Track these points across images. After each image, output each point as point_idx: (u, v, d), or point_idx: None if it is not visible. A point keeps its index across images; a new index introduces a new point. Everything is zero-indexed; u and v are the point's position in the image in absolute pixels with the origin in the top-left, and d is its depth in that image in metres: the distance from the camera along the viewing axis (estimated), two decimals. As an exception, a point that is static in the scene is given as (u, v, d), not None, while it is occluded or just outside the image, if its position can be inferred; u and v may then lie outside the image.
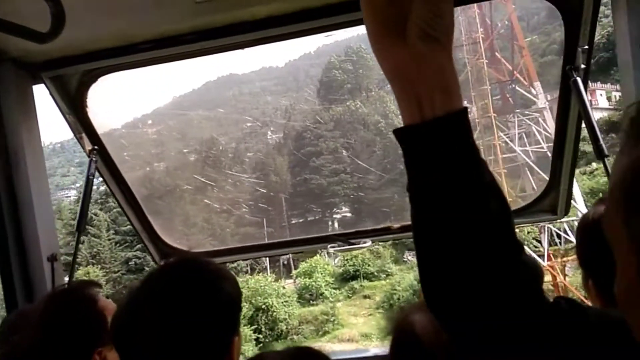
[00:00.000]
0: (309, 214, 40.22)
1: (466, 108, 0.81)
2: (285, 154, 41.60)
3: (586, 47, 2.03)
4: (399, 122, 0.87)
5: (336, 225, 37.67)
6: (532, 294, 0.81)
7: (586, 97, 2.01)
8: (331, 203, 39.73)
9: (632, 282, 0.54)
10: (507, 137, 31.87)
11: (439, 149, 0.78)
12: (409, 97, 0.80)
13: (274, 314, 28.29)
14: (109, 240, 34.95)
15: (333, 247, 2.66)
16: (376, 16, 0.83)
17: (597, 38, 2.00)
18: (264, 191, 38.05)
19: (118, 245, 35.14)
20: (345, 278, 32.31)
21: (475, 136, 0.84)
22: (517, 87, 32.50)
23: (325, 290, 30.77)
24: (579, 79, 2.01)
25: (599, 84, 36.78)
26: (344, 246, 2.65)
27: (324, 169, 38.61)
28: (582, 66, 2.04)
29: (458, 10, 32.01)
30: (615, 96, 36.57)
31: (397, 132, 0.82)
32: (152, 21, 1.92)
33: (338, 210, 40.16)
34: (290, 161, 40.84)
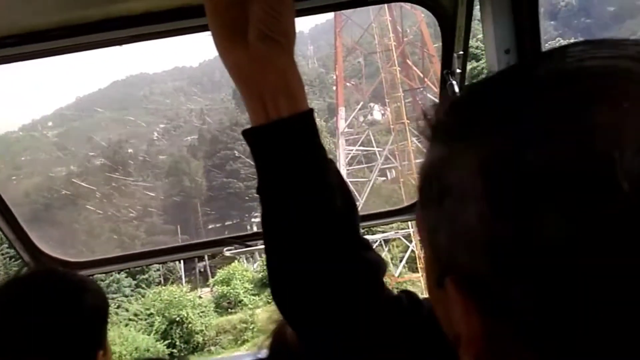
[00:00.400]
0: (227, 218, 39.51)
1: (312, 109, 0.82)
2: (200, 157, 40.54)
3: (461, 52, 2.16)
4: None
5: (255, 228, 37.25)
6: (374, 289, 0.83)
7: (460, 100, 2.14)
8: (249, 207, 39.26)
9: (429, 274, 0.57)
10: (420, 143, 33.13)
11: (284, 150, 0.79)
12: (254, 99, 0.81)
13: (190, 325, 27.22)
14: (2, 254, 31.78)
15: (229, 250, 2.60)
16: (218, 19, 0.83)
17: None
18: (178, 196, 36.79)
19: (13, 260, 32.04)
20: (265, 283, 31.84)
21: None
22: (428, 94, 34.08)
23: (244, 297, 30.23)
24: (454, 83, 2.13)
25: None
26: (240, 249, 2.60)
27: (241, 173, 38.08)
28: (458, 71, 2.17)
29: (371, 17, 33.08)
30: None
31: (245, 133, 0.82)
32: (17, 15, 1.75)
33: (256, 214, 39.72)
34: (205, 165, 39.84)
